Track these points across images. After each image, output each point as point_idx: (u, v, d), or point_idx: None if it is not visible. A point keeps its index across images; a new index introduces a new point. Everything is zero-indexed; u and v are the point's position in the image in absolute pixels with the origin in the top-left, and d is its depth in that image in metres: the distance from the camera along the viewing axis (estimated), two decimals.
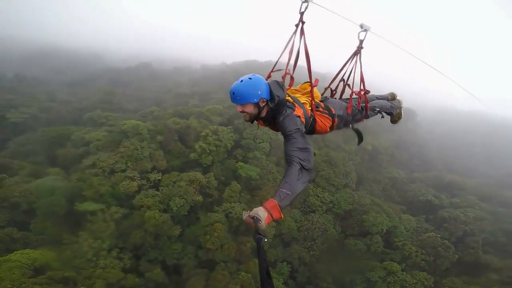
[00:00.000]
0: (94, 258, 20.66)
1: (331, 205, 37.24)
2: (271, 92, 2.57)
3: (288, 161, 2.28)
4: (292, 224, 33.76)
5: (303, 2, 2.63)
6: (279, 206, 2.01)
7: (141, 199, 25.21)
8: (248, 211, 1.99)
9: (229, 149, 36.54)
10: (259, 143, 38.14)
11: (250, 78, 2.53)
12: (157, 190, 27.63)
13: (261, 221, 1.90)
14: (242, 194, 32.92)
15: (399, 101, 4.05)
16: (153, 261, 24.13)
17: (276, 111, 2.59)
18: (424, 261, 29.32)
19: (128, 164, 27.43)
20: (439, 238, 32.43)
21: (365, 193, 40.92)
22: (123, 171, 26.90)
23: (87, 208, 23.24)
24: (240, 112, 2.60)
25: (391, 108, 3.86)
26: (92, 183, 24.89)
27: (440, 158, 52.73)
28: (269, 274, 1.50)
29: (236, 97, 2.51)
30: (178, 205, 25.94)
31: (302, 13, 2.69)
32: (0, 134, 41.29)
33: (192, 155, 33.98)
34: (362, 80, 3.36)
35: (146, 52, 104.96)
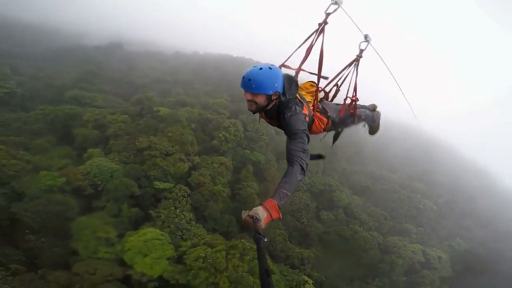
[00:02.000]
0: (190, 227, 26.85)
1: (309, 185, 49.64)
2: (284, 87, 2.58)
3: (291, 160, 2.28)
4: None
5: (332, 4, 2.65)
6: (278, 206, 2.04)
7: (197, 177, 32.31)
8: (248, 211, 2.01)
9: (239, 139, 45.30)
10: (261, 135, 47.88)
11: (270, 68, 2.48)
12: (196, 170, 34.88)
13: (260, 220, 1.91)
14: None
15: (378, 113, 4.19)
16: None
17: (284, 106, 2.58)
18: (373, 226, 44.23)
19: (176, 148, 33.72)
20: (378, 211, 48.34)
21: (330, 178, 54.85)
22: (173, 154, 33.03)
23: (166, 186, 28.76)
24: (248, 100, 2.56)
25: (372, 119, 4.03)
26: (157, 163, 30.36)
27: (373, 157, 70.73)
28: (269, 273, 1.51)
29: (252, 84, 2.43)
30: (221, 182, 34.19)
31: (328, 14, 2.72)
32: None
33: (213, 142, 41.67)
34: (355, 87, 3.44)
35: (116, 32, 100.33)
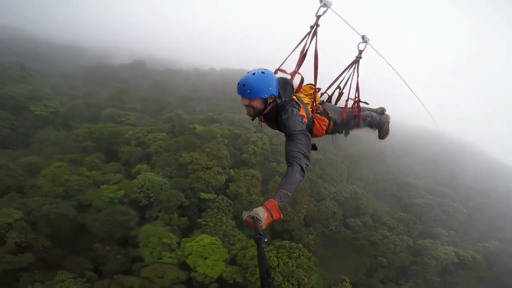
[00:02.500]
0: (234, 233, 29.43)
1: (335, 194, 51.25)
2: (279, 90, 2.64)
3: (290, 161, 2.34)
4: (313, 207, 46.72)
5: (321, 6, 2.70)
6: (278, 206, 2.06)
7: (235, 188, 35.00)
8: (248, 211, 2.03)
9: (266, 152, 47.87)
10: None
11: (263, 73, 2.55)
12: (233, 182, 37.63)
13: (261, 221, 1.94)
14: None
15: (387, 116, 4.15)
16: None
17: (281, 109, 2.66)
18: (402, 230, 45.21)
19: (213, 162, 36.61)
20: (407, 216, 49.26)
21: (354, 186, 56.26)
22: (212, 167, 35.92)
23: (209, 197, 31.76)
24: (245, 105, 2.62)
25: (380, 122, 4.01)
26: (200, 176, 33.31)
27: (396, 165, 71.56)
28: (269, 274, 1.52)
29: (246, 90, 2.51)
30: (255, 193, 36.68)
31: (318, 17, 2.78)
32: (22, 126, 42.93)
33: (243, 156, 44.43)
34: (357, 88, 3.51)
35: (139, 51, 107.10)
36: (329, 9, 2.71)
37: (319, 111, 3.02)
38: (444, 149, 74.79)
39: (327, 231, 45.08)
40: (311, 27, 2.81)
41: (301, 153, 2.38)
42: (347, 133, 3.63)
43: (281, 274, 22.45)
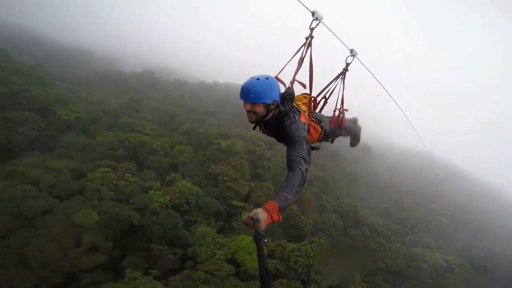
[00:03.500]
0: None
1: (336, 207, 57.41)
2: (281, 97, 2.74)
3: (291, 166, 2.41)
4: (317, 218, 52.64)
5: (313, 20, 2.91)
6: (278, 208, 2.12)
7: (257, 198, 40.68)
8: (248, 212, 2.08)
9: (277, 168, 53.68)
10: None
11: (267, 78, 2.63)
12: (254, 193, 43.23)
13: (260, 222, 1.99)
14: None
15: (359, 126, 4.43)
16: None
17: (283, 115, 2.74)
18: (396, 239, 51.68)
19: (237, 174, 42.22)
20: (400, 227, 55.99)
21: (353, 201, 62.74)
22: (237, 179, 41.49)
23: (239, 204, 37.45)
24: (248, 111, 2.68)
25: (355, 131, 4.33)
26: (231, 186, 38.93)
27: (389, 183, 78.96)
28: (269, 274, 1.57)
29: (250, 94, 2.57)
30: None
31: (312, 29, 2.98)
32: (48, 129, 44.16)
33: (259, 170, 50.14)
34: (342, 100, 3.71)
35: (146, 58, 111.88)
36: (321, 22, 2.94)
37: (313, 120, 3.25)
38: (431, 169, 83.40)
39: (330, 239, 50.96)
40: (306, 38, 3.02)
41: (303, 158, 2.46)
42: (332, 141, 3.85)
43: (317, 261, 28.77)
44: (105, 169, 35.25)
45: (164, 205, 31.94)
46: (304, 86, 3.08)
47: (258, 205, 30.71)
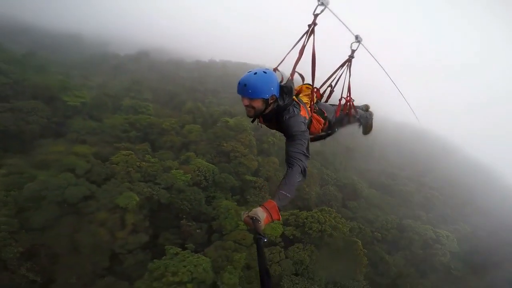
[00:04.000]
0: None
1: (335, 180, 61.65)
2: (281, 90, 2.72)
3: (290, 162, 2.44)
4: (319, 191, 56.85)
5: (319, 5, 2.80)
6: (277, 207, 2.17)
7: (266, 173, 43.96)
8: (247, 212, 2.12)
9: (282, 143, 56.75)
10: None
11: (264, 72, 2.63)
12: (262, 167, 46.49)
13: (260, 221, 2.03)
14: None
15: (371, 113, 4.46)
16: None
17: (282, 109, 2.74)
18: (390, 211, 56.71)
19: (246, 150, 45.17)
20: (394, 200, 61.13)
21: (350, 174, 67.18)
22: (246, 155, 44.47)
23: (251, 179, 40.88)
24: (246, 106, 2.70)
25: (366, 118, 4.32)
26: (242, 162, 42.16)
27: (384, 157, 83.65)
28: (269, 273, 1.60)
29: (248, 89, 2.57)
30: (279, 177, 45.84)
31: (316, 15, 2.87)
32: (55, 116, 44.83)
33: (264, 145, 53.13)
34: (349, 88, 3.68)
35: (139, 40, 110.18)
36: (326, 8, 2.79)
37: (315, 111, 3.22)
38: (424, 144, 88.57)
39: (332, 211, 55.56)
40: (309, 26, 2.93)
41: (302, 154, 2.49)
42: (337, 130, 3.83)
43: (329, 227, 33.19)
44: (127, 151, 37.48)
45: (186, 183, 34.87)
46: (303, 79, 3.09)
47: (267, 179, 33.64)
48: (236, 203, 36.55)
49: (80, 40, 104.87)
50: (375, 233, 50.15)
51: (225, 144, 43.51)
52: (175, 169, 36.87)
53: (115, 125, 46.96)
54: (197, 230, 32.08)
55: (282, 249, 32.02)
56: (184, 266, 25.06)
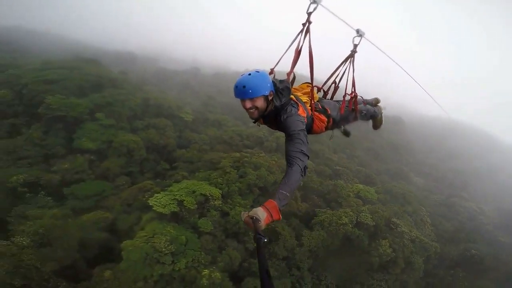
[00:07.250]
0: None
1: (387, 170, 76.31)
2: (277, 89, 2.88)
3: (290, 161, 2.52)
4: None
5: (311, 3, 2.91)
6: (278, 207, 2.22)
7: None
8: (247, 211, 2.17)
9: None
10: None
11: (257, 71, 2.79)
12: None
13: (260, 221, 2.08)
14: None
15: (380, 108, 4.59)
16: None
17: (280, 109, 2.89)
18: (437, 193, 71.23)
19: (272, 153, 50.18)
20: (438, 184, 75.83)
21: (399, 165, 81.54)
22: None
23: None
24: (248, 108, 2.81)
25: (374, 113, 4.43)
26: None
27: (422, 149, 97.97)
28: (269, 274, 1.64)
29: (248, 90, 2.70)
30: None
31: (309, 14, 2.99)
32: (178, 131, 51.34)
33: None
34: (353, 83, 3.78)
35: (191, 56, 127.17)
36: (319, 5, 2.89)
37: (317, 109, 3.33)
38: (461, 138, 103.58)
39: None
40: (303, 25, 3.04)
41: (301, 152, 2.57)
42: (345, 127, 3.98)
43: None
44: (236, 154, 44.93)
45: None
46: (294, 80, 3.24)
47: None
48: None
49: (135, 57, 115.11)
50: (427, 208, 63.95)
51: None
52: None
53: (229, 134, 53.61)
54: None
55: None
56: None
